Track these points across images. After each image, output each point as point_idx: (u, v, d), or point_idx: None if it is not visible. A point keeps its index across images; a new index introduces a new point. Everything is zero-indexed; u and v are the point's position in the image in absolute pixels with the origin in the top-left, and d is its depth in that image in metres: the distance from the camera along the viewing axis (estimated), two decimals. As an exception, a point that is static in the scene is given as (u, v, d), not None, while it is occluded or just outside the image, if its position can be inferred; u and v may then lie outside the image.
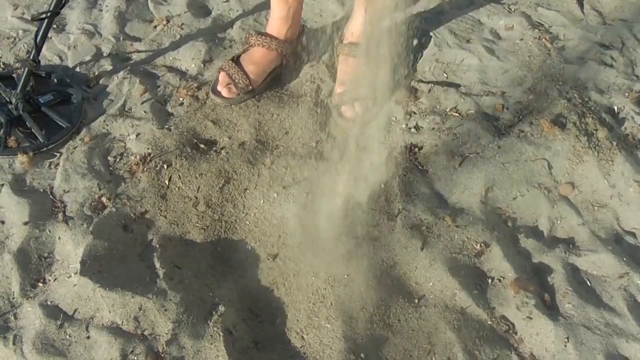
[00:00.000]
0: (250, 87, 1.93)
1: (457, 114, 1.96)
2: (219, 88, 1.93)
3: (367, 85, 1.94)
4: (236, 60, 1.99)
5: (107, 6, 2.17)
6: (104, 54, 2.02)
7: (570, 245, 1.69)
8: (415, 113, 1.97)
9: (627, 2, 2.38)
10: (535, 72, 2.11)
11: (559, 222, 1.73)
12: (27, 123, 1.78)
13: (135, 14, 2.16)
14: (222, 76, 1.94)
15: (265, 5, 2.21)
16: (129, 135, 1.81)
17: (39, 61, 1.75)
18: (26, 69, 1.75)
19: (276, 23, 1.97)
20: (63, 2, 1.66)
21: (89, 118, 1.85)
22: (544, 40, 2.22)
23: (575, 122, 1.90)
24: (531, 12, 2.33)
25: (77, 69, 1.97)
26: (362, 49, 1.94)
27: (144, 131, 1.81)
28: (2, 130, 1.76)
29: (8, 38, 2.04)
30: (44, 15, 1.68)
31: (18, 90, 1.78)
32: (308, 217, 1.67)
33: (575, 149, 1.84)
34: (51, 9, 1.66)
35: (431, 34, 2.19)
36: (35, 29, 2.01)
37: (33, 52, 1.73)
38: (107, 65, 1.98)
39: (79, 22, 2.10)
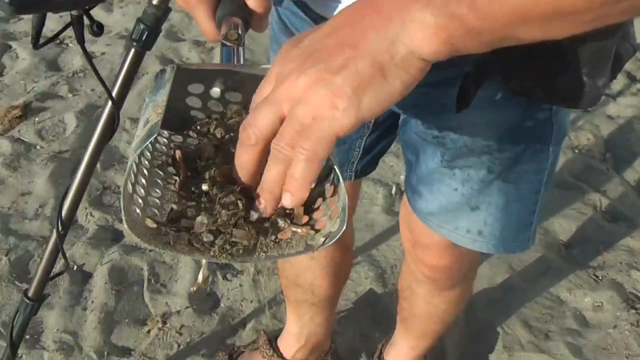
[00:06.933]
0: None
1: None
2: None
3: None
4: (234, 357, 1.58)
5: (92, 302, 1.75)
6: (84, 383, 1.59)
7: None
8: None
9: None
10: (640, 385, 1.61)
11: None
12: None
13: (126, 311, 1.74)
14: None
15: (286, 294, 1.78)
16: None
17: None
18: None
19: (286, 337, 1.53)
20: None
21: None
22: (644, 327, 1.73)
23: None
24: (623, 279, 1.85)
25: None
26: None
27: None
28: None
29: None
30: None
31: None
32: None
33: None
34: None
35: (498, 328, 1.71)
36: None
37: None
38: (85, 405, 1.55)
39: (57, 330, 1.68)
